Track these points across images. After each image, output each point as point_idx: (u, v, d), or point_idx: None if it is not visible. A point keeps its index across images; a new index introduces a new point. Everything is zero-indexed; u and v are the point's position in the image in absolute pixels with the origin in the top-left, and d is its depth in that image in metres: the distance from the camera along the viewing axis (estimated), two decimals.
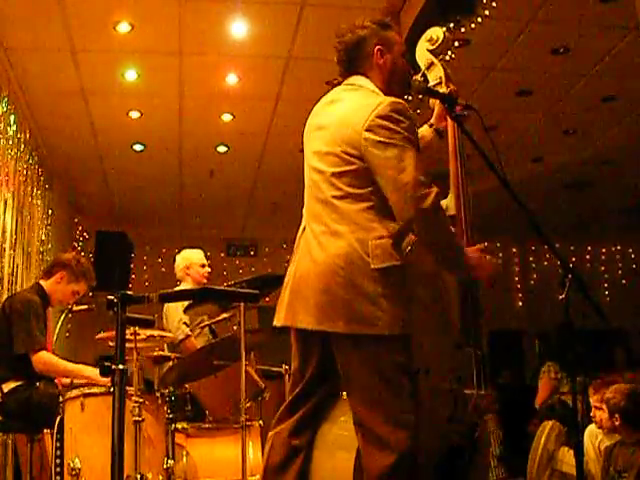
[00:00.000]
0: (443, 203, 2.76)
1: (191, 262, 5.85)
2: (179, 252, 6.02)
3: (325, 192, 2.69)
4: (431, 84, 3.07)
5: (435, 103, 3.15)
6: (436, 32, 3.17)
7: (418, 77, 3.07)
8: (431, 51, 3.15)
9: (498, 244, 11.59)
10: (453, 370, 2.83)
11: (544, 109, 7.29)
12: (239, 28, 5.90)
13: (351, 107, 2.74)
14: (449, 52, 5.57)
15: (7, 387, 4.37)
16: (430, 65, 3.13)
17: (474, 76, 6.48)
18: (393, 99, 2.68)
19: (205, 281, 5.80)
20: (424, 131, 3.11)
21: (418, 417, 2.55)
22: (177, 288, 5.59)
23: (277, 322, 2.75)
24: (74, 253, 5.15)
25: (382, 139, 2.59)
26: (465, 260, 2.69)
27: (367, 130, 2.61)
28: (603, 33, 5.89)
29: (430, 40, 3.16)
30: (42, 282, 4.77)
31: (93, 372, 4.38)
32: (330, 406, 2.85)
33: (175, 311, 5.41)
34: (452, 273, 2.87)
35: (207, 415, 4.40)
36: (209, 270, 5.90)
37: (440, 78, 3.09)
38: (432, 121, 3.16)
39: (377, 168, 2.60)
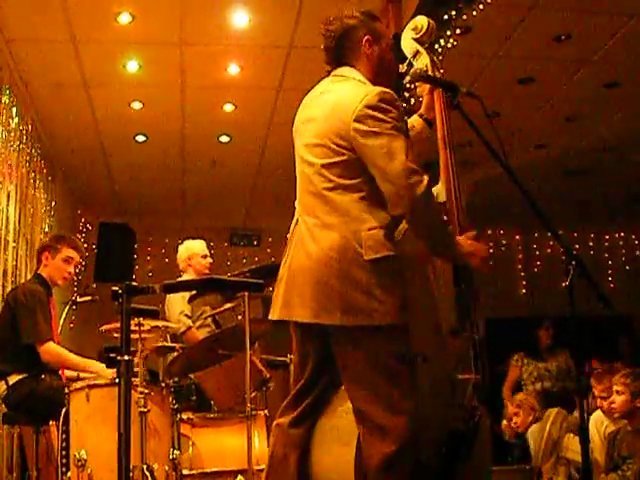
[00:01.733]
0: (434, 190, 2.75)
1: (193, 253, 5.86)
2: (182, 242, 6.03)
3: (316, 184, 2.70)
4: None
5: (424, 93, 3.16)
6: (421, 21, 3.19)
7: (404, 66, 3.12)
8: (416, 40, 3.18)
9: (501, 231, 11.58)
10: (450, 356, 2.85)
11: (546, 96, 7.25)
12: (240, 18, 5.88)
13: (339, 98, 2.74)
14: (450, 40, 5.55)
15: (12, 380, 4.40)
16: (416, 54, 3.16)
17: (475, 64, 6.45)
18: (381, 89, 2.68)
19: (207, 272, 5.81)
20: (414, 121, 3.12)
21: (417, 404, 2.57)
22: (180, 279, 5.60)
23: (273, 316, 2.76)
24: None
25: (371, 129, 2.59)
26: (458, 247, 2.70)
27: (356, 120, 2.61)
28: (605, 19, 5.85)
29: (415, 29, 3.19)
30: (39, 271, 4.88)
31: (100, 367, 4.41)
32: (330, 397, 2.86)
33: (176, 303, 5.42)
34: (446, 260, 2.87)
35: (212, 405, 4.42)
36: (211, 261, 5.91)
37: (426, 66, 3.11)
38: (422, 111, 3.17)
39: (368, 158, 2.61)
